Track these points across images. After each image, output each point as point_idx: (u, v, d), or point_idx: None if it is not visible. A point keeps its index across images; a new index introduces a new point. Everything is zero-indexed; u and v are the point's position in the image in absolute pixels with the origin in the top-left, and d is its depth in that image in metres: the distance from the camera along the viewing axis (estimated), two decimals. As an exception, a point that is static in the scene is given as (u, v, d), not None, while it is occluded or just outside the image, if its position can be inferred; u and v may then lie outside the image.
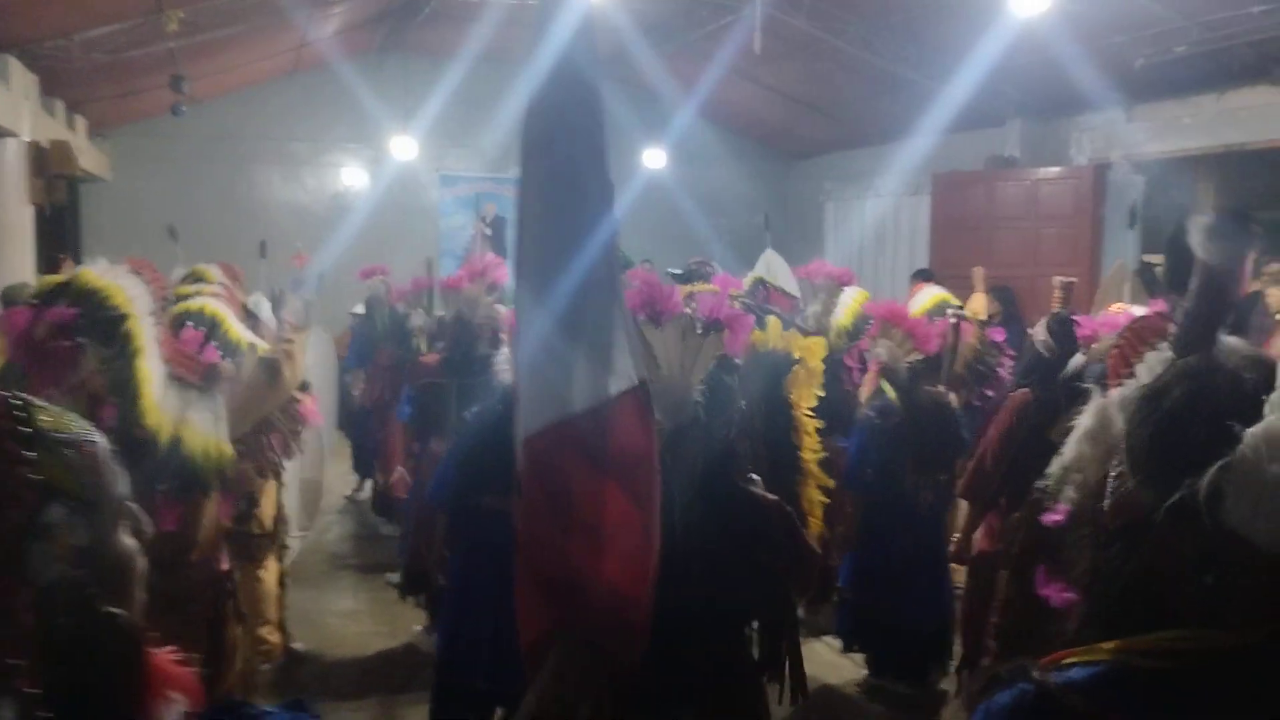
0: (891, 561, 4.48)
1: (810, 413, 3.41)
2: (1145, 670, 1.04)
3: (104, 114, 9.84)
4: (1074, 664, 1.08)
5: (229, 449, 3.09)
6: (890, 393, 4.44)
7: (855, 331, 5.52)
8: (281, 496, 4.65)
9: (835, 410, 5.01)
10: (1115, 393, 2.56)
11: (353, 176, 12.59)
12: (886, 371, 4.46)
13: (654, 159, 12.36)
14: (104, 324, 2.79)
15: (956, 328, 5.02)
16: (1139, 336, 2.68)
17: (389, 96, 11.53)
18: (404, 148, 11.65)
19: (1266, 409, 1.04)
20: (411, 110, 11.51)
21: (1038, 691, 1.05)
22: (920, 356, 4.44)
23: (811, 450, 3.35)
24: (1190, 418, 1.10)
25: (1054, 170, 9.53)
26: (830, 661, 4.99)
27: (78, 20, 6.34)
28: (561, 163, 2.16)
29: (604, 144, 2.19)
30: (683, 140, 12.23)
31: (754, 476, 2.82)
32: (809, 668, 4.93)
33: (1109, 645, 1.08)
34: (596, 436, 2.09)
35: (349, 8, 9.20)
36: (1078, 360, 3.52)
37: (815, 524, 3.89)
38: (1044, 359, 3.82)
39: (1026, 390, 3.85)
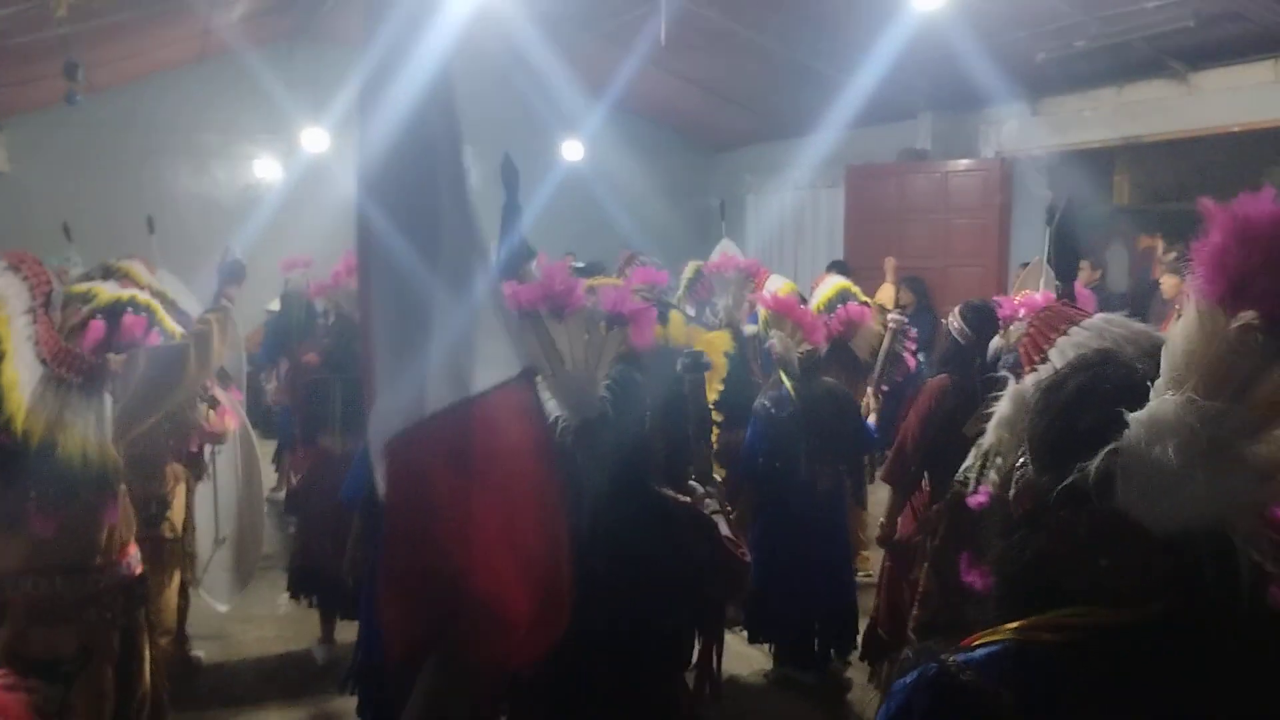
0: (790, 552, 4.50)
1: (710, 406, 3.43)
2: (1040, 647, 1.10)
3: (3, 104, 9.47)
4: (978, 645, 1.13)
5: (113, 451, 2.97)
6: (787, 383, 4.47)
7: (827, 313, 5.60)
8: (192, 501, 4.52)
9: (744, 403, 5.09)
10: (1030, 379, 2.61)
11: (265, 169, 12.29)
12: (781, 362, 4.49)
13: (572, 151, 12.30)
14: None
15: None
16: (1048, 324, 2.72)
17: (300, 87, 11.28)
18: (315, 139, 11.41)
19: (1152, 395, 1.08)
20: (323, 101, 11.28)
21: (938, 670, 1.11)
22: (810, 347, 4.48)
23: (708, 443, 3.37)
24: (1083, 406, 1.14)
25: (963, 163, 9.72)
26: (739, 653, 5.02)
27: (-43, 3, 6.08)
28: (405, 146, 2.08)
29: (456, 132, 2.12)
30: (602, 132, 12.19)
31: (694, 484, 2.83)
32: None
33: (1011, 626, 1.13)
34: (461, 436, 2.02)
35: (254, -5, 8.98)
36: (996, 344, 3.63)
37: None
38: (960, 345, 3.89)
39: (945, 376, 3.91)
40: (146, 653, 3.22)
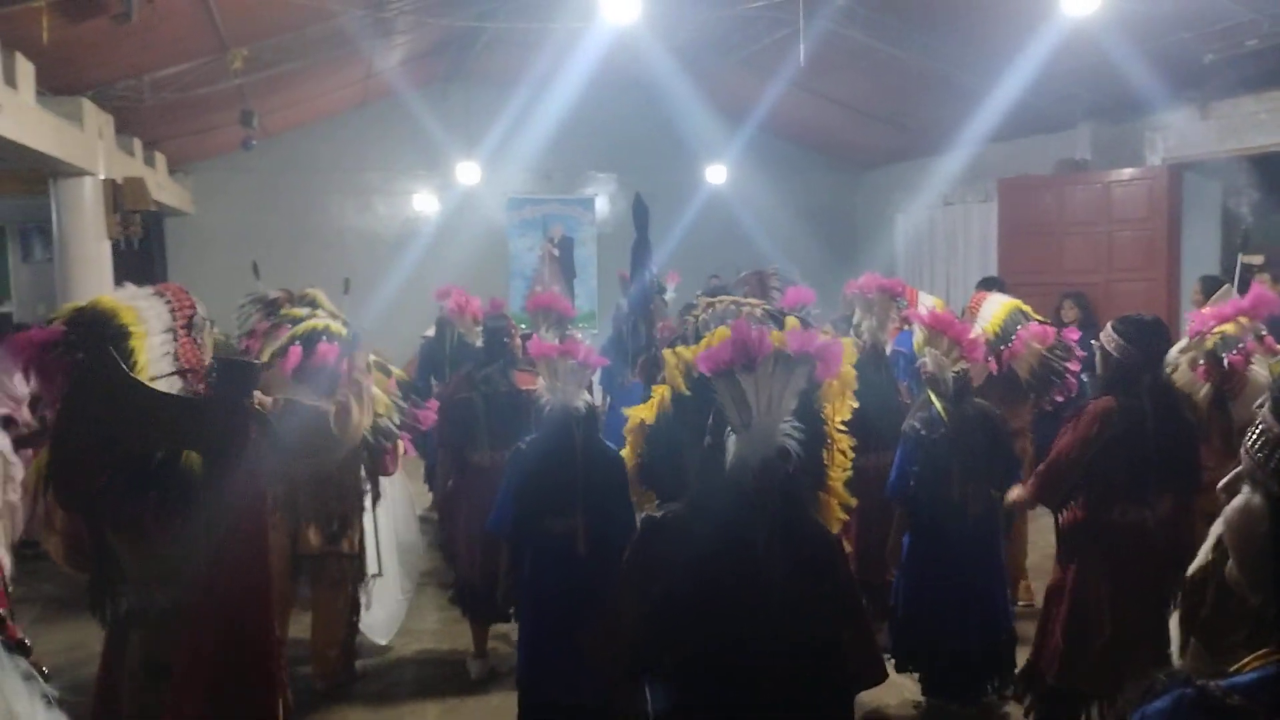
0: (941, 578, 4.35)
1: (843, 427, 3.35)
2: None
3: (182, 150, 10.25)
4: (1246, 669, 1.07)
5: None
6: (937, 404, 4.34)
7: (1005, 336, 5.46)
8: (366, 524, 4.80)
9: (891, 425, 4.95)
10: None
11: (423, 203, 12.85)
12: (932, 382, 4.36)
13: (716, 174, 12.36)
14: (102, 340, 2.91)
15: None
16: None
17: (454, 124, 11.78)
18: (469, 173, 11.87)
19: None
20: (476, 136, 11.73)
21: (1197, 694, 1.04)
22: (966, 366, 4.33)
23: (840, 468, 3.29)
24: None
25: (1126, 172, 9.24)
26: (889, 681, 4.88)
27: (146, 61, 6.63)
28: None
29: None
30: (744, 155, 12.21)
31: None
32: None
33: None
34: None
35: (411, 39, 9.43)
36: (1173, 355, 3.58)
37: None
38: (1123, 364, 3.67)
39: (1109, 399, 3.70)
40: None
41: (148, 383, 2.90)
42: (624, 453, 3.72)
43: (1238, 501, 1.19)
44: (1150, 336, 3.65)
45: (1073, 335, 5.50)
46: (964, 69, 9.01)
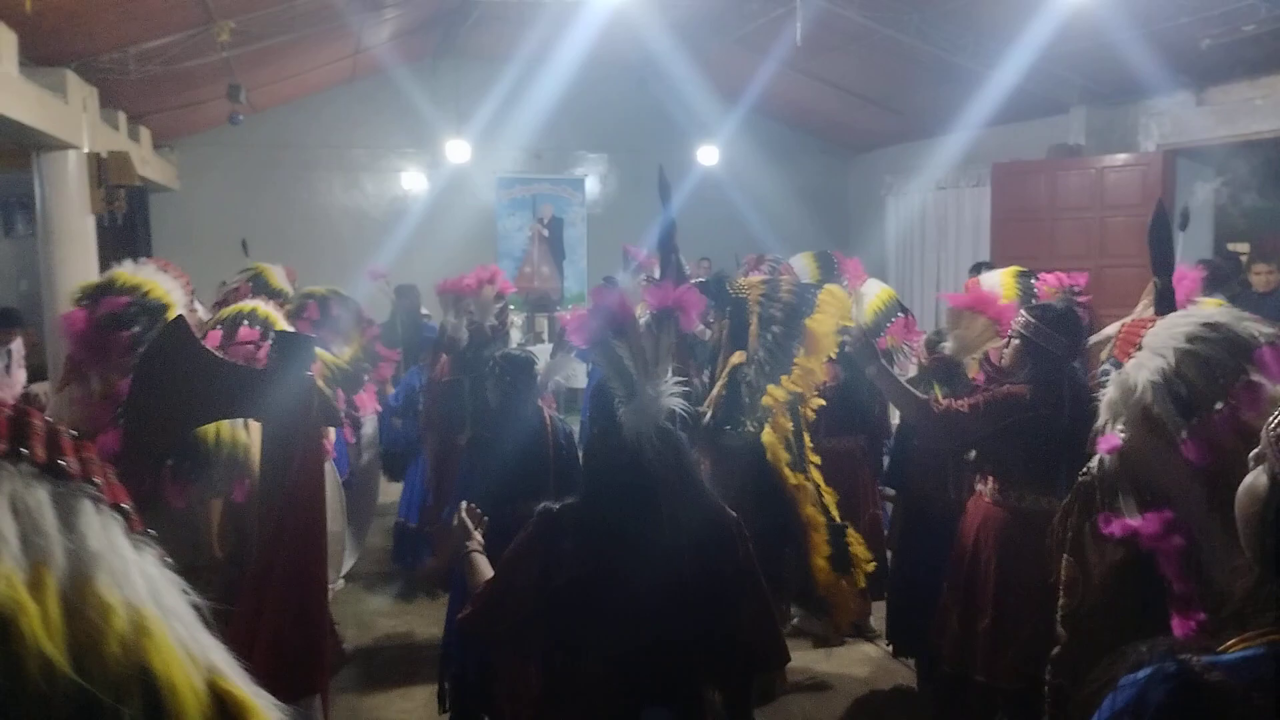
0: (930, 565, 4.33)
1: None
2: None
3: (167, 125, 10.11)
4: (1232, 649, 1.06)
5: (244, 437, 3.14)
6: (937, 391, 4.29)
7: (876, 328, 5.38)
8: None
9: (857, 409, 4.97)
10: (1130, 365, 2.69)
11: (411, 181, 12.75)
12: (945, 369, 4.28)
13: (708, 156, 12.28)
14: (151, 312, 2.92)
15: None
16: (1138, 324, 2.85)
17: (444, 101, 11.67)
18: (459, 151, 11.77)
19: None
20: (466, 114, 11.63)
21: (1180, 668, 1.04)
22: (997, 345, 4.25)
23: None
24: None
25: (1120, 157, 9.21)
26: (885, 667, 4.89)
27: (131, 32, 6.50)
28: None
29: None
30: (737, 137, 12.14)
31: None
32: (862, 671, 4.87)
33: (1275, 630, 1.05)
34: None
35: (400, 14, 9.30)
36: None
37: (819, 541, 3.86)
38: (1047, 352, 3.58)
39: (1024, 386, 3.59)
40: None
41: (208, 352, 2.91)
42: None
43: (1248, 479, 1.21)
44: (1075, 326, 3.55)
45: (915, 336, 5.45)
46: (960, 52, 8.96)
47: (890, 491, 4.94)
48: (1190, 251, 8.54)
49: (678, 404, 2.37)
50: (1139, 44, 7.26)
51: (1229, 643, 1.07)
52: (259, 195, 11.83)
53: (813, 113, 12.75)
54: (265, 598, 2.45)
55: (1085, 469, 2.91)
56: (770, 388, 3.89)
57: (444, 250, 11.03)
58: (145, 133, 9.36)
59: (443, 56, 11.76)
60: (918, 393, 3.66)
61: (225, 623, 3.03)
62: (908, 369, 5.75)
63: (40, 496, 0.77)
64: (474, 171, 12.43)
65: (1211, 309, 2.80)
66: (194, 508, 2.96)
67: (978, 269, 7.78)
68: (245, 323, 3.84)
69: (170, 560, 2.56)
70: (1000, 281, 5.60)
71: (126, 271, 3.26)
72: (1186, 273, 4.05)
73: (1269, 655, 1.03)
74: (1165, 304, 3.36)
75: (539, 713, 2.39)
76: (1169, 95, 8.52)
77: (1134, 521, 2.61)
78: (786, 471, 3.85)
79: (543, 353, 6.12)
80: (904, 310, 5.76)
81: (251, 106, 9.86)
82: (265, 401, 2.59)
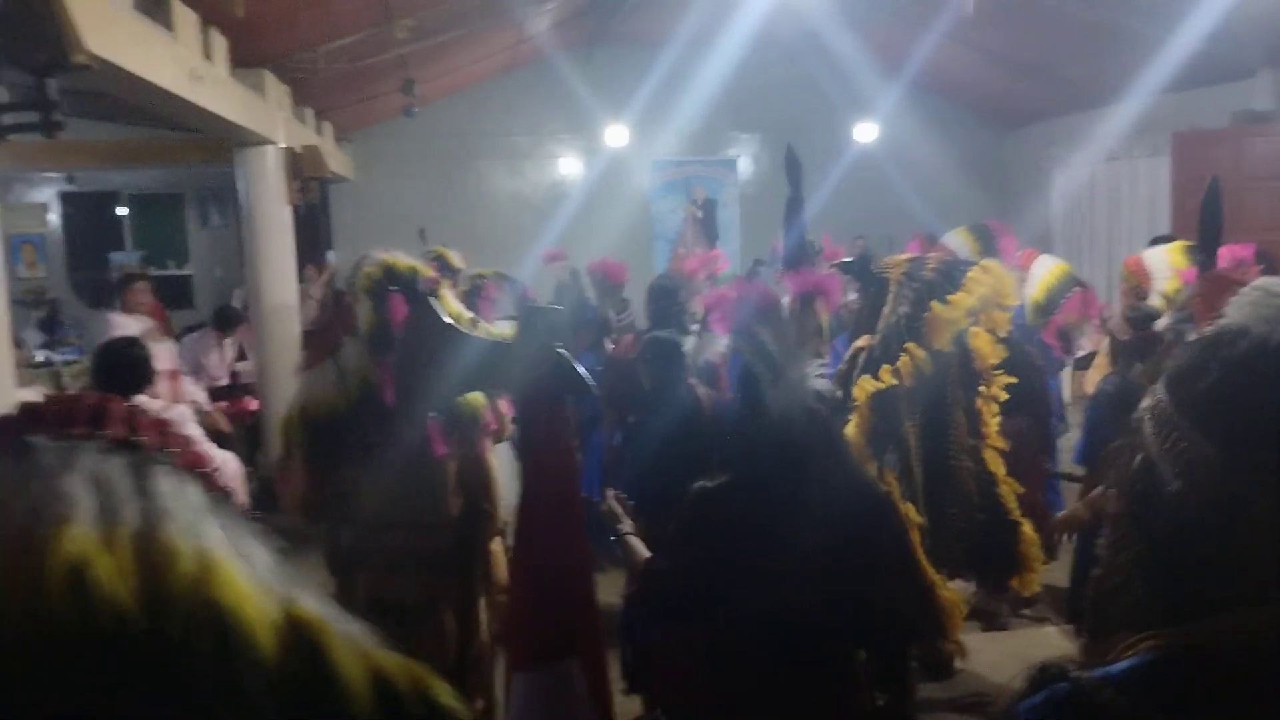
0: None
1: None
2: (1200, 659, 0.92)
3: (346, 119, 10.70)
4: (1119, 658, 0.97)
5: (479, 397, 3.39)
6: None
7: (1049, 305, 5.24)
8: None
9: (1025, 390, 4.84)
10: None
11: (569, 166, 13.07)
12: (1142, 346, 4.15)
13: (865, 133, 12.12)
14: (419, 291, 3.18)
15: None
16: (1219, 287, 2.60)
17: (600, 86, 11.89)
18: (617, 135, 12.00)
19: None
20: (622, 99, 11.83)
21: (1071, 689, 0.95)
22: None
23: (990, 413, 3.26)
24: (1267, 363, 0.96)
25: (1314, 122, 8.65)
26: (1064, 650, 4.83)
27: (321, 33, 6.94)
28: None
29: None
30: (894, 112, 11.94)
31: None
32: (1041, 654, 4.82)
33: (1158, 634, 0.96)
34: None
35: (560, 3, 9.56)
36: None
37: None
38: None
39: None
40: (481, 604, 3.57)
41: (467, 328, 3.18)
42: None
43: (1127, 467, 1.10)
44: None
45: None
46: (1134, 15, 8.56)
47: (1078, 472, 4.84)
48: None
49: (822, 385, 2.44)
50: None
51: (1117, 648, 0.98)
52: (427, 184, 12.38)
53: (973, 85, 12.40)
54: (524, 565, 2.64)
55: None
56: (863, 379, 3.55)
57: (600, 233, 11.28)
58: (328, 127, 9.95)
59: (598, 43, 11.99)
60: None
61: (445, 573, 3.31)
62: (1086, 346, 5.61)
63: (115, 468, 0.86)
64: (629, 155, 12.64)
65: None
66: (435, 465, 3.21)
67: (1156, 243, 7.47)
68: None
69: (404, 514, 2.79)
70: (1167, 258, 5.41)
71: (393, 256, 3.37)
72: (1238, 251, 3.98)
73: (1154, 661, 0.94)
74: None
75: (697, 686, 2.48)
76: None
77: None
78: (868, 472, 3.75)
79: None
80: (1080, 285, 5.63)
81: (420, 99, 10.33)
82: (513, 374, 2.79)
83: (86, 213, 12.27)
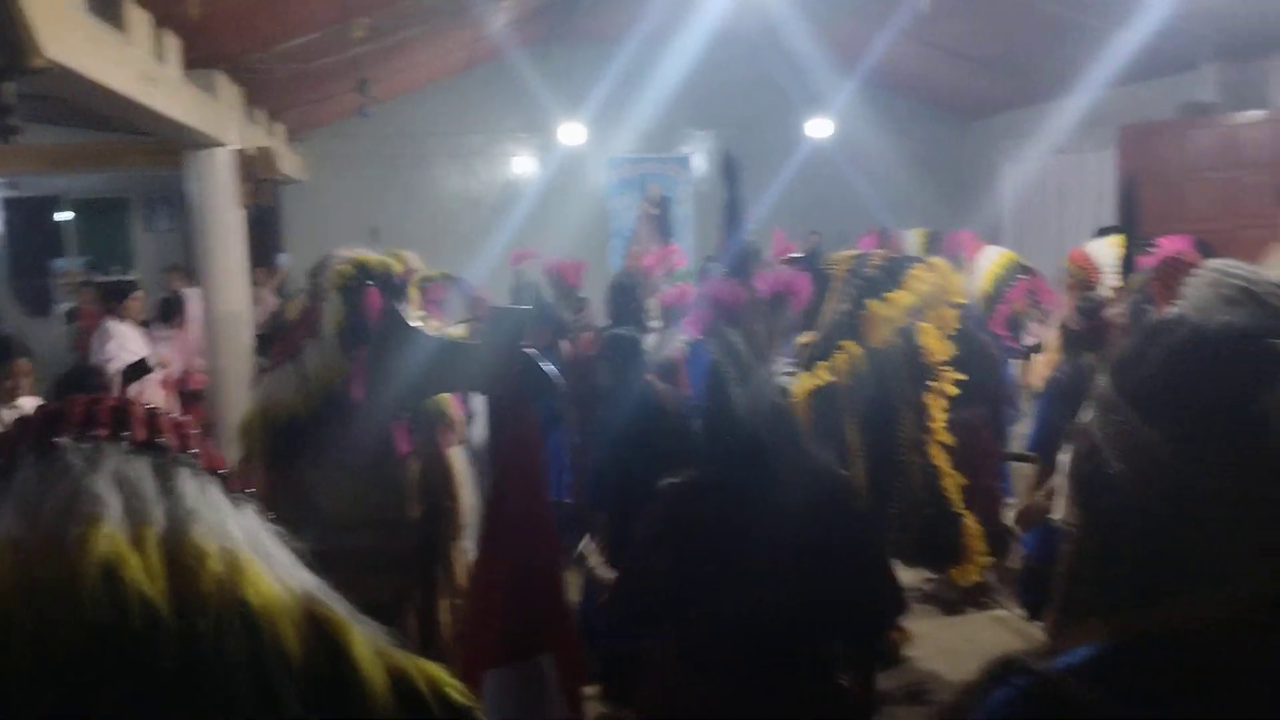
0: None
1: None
2: (1162, 645, 0.92)
3: (299, 120, 10.54)
4: (1077, 646, 0.97)
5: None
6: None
7: (996, 295, 5.32)
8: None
9: (981, 380, 4.92)
10: None
11: (524, 165, 13.01)
12: (1094, 336, 4.25)
13: (819, 129, 12.22)
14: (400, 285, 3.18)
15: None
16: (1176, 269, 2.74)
17: (557, 84, 11.85)
18: (573, 134, 11.96)
19: None
20: (579, 96, 11.80)
21: (1034, 682, 0.94)
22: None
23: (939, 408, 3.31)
24: (1209, 347, 0.98)
25: (1256, 114, 8.87)
26: (1019, 630, 4.92)
27: (276, 34, 6.83)
28: None
29: None
30: (849, 107, 12.04)
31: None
32: (995, 635, 4.91)
33: (1112, 621, 0.97)
34: None
35: (517, 1, 9.51)
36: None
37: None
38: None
39: None
40: (440, 606, 3.53)
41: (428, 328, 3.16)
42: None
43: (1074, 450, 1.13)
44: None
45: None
46: (1082, 10, 8.72)
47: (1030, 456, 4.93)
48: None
49: (789, 383, 2.48)
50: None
51: (1073, 636, 0.99)
52: (381, 184, 12.26)
53: (927, 80, 12.55)
54: (493, 563, 2.64)
55: None
56: (801, 376, 3.56)
57: (556, 232, 11.26)
58: (280, 128, 9.80)
59: (556, 40, 11.95)
60: None
61: (408, 573, 3.29)
62: (1034, 336, 5.70)
63: (140, 469, 0.88)
64: (585, 153, 12.62)
65: None
66: (399, 465, 3.19)
67: (1102, 234, 7.63)
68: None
69: (367, 514, 2.77)
70: (1113, 250, 5.54)
71: (361, 252, 3.33)
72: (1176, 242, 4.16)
73: (1110, 650, 0.95)
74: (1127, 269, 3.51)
75: (673, 690, 2.48)
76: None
77: None
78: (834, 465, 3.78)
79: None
80: (1027, 272, 5.71)
81: (376, 99, 10.21)
82: (477, 375, 2.78)
83: (28, 218, 11.97)
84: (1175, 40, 8.66)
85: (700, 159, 13.46)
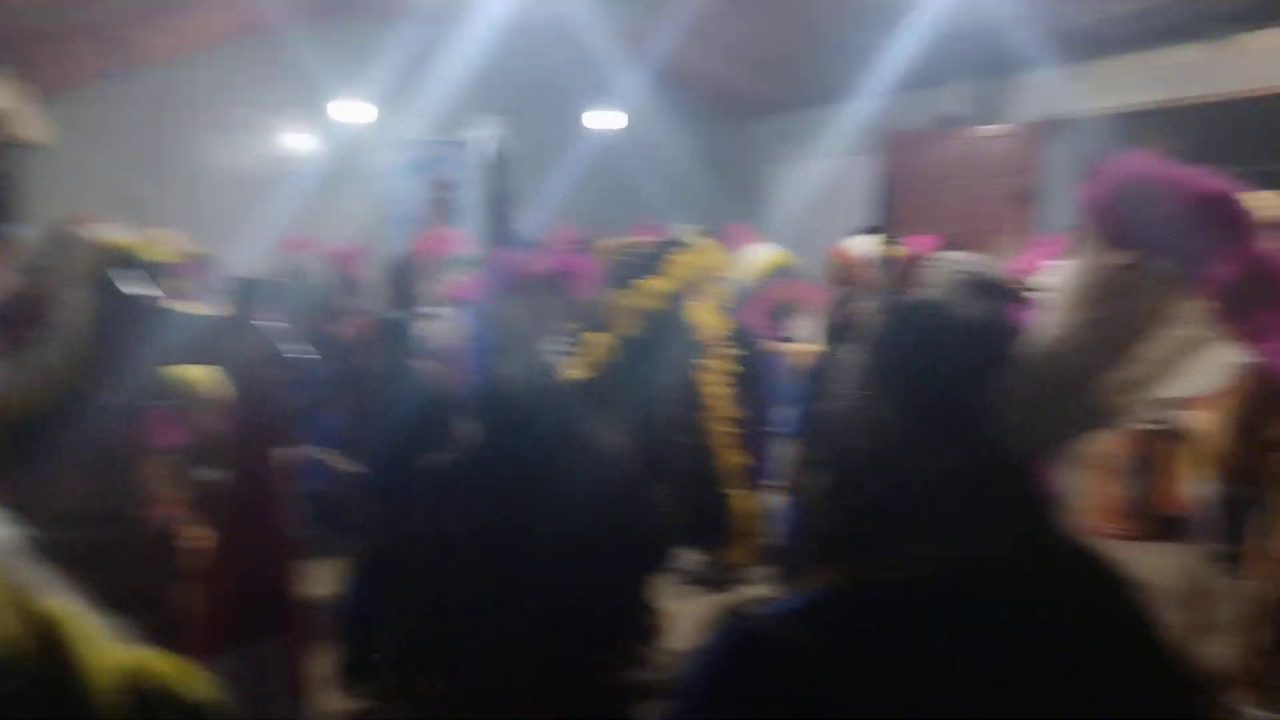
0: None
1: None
2: (873, 590, 1.01)
3: (48, 80, 9.61)
4: (792, 595, 1.05)
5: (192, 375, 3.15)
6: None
7: (755, 288, 5.52)
8: None
9: (748, 364, 5.11)
10: None
11: (298, 142, 12.43)
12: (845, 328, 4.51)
13: (600, 120, 12.34)
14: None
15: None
16: None
17: (334, 60, 11.37)
18: (347, 111, 11.54)
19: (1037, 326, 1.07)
20: (357, 74, 11.39)
21: (748, 626, 1.01)
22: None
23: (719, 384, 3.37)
24: (940, 334, 1.09)
25: (995, 128, 9.73)
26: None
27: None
28: None
29: None
30: (640, 102, 12.21)
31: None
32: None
33: (832, 572, 1.06)
34: None
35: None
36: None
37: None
38: None
39: None
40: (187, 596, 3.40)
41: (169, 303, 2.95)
42: None
43: None
44: None
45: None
46: (853, 24, 9.24)
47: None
48: (1054, 221, 9.10)
49: (553, 359, 2.43)
50: (1020, 20, 7.66)
51: (800, 587, 1.07)
52: (139, 155, 11.39)
53: (712, 79, 12.90)
54: (226, 548, 2.52)
55: None
56: (568, 366, 3.50)
57: (336, 214, 10.85)
58: (31, 89, 8.90)
59: (335, 14, 11.47)
60: None
61: (142, 564, 3.08)
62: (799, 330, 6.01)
63: None
64: (363, 133, 12.21)
65: None
66: (131, 455, 2.97)
67: (870, 233, 8.14)
68: None
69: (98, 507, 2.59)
70: (872, 248, 5.96)
71: (108, 232, 3.11)
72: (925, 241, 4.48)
73: (827, 594, 1.02)
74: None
75: (428, 671, 2.38)
76: (1046, 69, 8.99)
77: None
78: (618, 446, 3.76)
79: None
80: (791, 273, 5.98)
81: (131, 63, 9.47)
82: (217, 347, 2.64)
83: None
84: (933, 57, 9.33)
85: (489, 145, 13.29)
